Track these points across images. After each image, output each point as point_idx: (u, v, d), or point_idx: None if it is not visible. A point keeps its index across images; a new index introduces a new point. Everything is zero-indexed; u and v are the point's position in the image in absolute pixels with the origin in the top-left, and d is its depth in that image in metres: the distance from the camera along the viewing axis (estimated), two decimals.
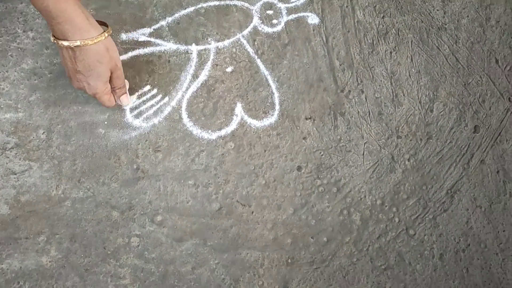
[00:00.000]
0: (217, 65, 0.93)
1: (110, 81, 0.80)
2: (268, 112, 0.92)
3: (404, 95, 0.96)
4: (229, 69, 0.93)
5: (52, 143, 0.86)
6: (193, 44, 0.93)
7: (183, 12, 0.95)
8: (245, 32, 0.95)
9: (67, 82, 0.88)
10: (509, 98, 0.98)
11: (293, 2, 0.98)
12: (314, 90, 0.94)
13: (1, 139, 0.84)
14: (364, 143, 0.93)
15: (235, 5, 0.96)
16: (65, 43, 0.71)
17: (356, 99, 0.94)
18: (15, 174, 0.83)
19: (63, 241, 0.82)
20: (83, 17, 0.72)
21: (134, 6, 0.94)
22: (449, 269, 0.89)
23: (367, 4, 1.00)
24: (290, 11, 0.98)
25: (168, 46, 0.92)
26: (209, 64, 0.93)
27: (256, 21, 0.96)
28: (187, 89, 0.91)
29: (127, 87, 0.86)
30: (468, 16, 1.02)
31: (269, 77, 0.93)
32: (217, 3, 0.96)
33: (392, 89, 0.96)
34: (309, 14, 0.98)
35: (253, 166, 0.89)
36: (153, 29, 0.93)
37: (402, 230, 0.89)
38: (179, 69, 0.92)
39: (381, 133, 0.93)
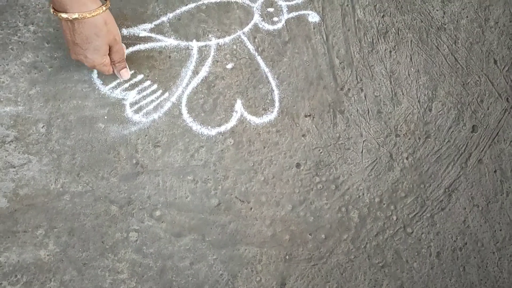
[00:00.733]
0: (217, 61, 0.93)
1: (110, 54, 0.80)
2: (268, 109, 0.92)
3: (403, 94, 0.96)
4: (229, 66, 0.93)
5: (52, 137, 0.85)
6: (194, 40, 0.93)
7: (184, 8, 0.95)
8: (246, 29, 0.95)
9: (67, 76, 0.88)
10: (507, 99, 0.98)
11: (294, 0, 0.98)
12: (314, 87, 0.94)
13: (0, 132, 0.83)
14: (363, 141, 0.93)
15: (236, 2, 0.96)
16: (64, 15, 0.71)
17: (356, 97, 0.94)
18: (14, 167, 0.83)
19: (62, 235, 0.81)
20: None
21: (135, 1, 0.93)
22: (446, 267, 0.89)
23: (367, 3, 1.00)
24: (290, 9, 0.98)
25: (169, 42, 0.92)
26: (209, 61, 0.92)
27: (257, 18, 0.96)
28: (187, 85, 0.91)
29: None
30: (467, 17, 1.02)
31: (269, 74, 0.93)
32: (218, 0, 0.96)
33: (391, 88, 0.96)
34: (310, 12, 0.98)
35: (252, 163, 0.89)
36: (154, 24, 0.93)
37: (399, 228, 0.89)
38: (179, 65, 0.91)
39: (380, 131, 0.93)
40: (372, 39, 0.98)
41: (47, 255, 0.80)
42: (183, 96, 0.90)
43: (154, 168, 0.86)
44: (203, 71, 0.91)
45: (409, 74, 0.97)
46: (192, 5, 0.95)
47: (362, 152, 0.92)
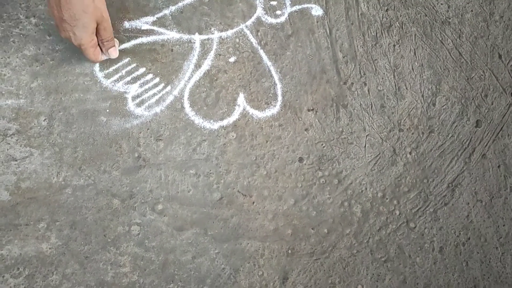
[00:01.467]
0: (220, 55, 0.92)
1: (97, 33, 0.79)
2: (271, 103, 0.91)
3: (406, 88, 0.95)
4: (232, 59, 0.92)
5: (53, 130, 0.84)
6: (196, 33, 0.92)
7: (187, 1, 0.94)
8: (249, 22, 0.94)
9: (69, 69, 0.87)
10: None
11: None
12: (317, 81, 0.93)
13: (2, 125, 0.83)
14: (366, 136, 0.92)
15: None
16: None
17: (359, 92, 0.93)
18: (16, 160, 0.82)
19: (64, 228, 0.81)
20: None
21: None
22: (449, 262, 0.88)
23: None
24: (294, 2, 0.97)
25: (171, 35, 0.91)
26: (212, 54, 0.91)
27: (259, 11, 0.95)
28: (189, 78, 0.90)
29: (117, 45, 0.85)
30: (472, 11, 1.01)
31: (272, 68, 0.92)
32: None
33: (395, 82, 0.95)
34: (313, 5, 0.97)
35: (254, 157, 0.88)
36: (156, 17, 0.92)
37: (402, 223, 0.89)
38: (182, 58, 0.90)
39: (383, 125, 0.92)
40: (376, 33, 0.97)
41: (49, 248, 0.80)
42: (185, 89, 0.89)
43: (156, 161, 0.85)
44: (206, 65, 0.90)
45: (413, 69, 0.96)
46: None
47: (365, 146, 0.91)
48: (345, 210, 0.88)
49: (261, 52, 0.92)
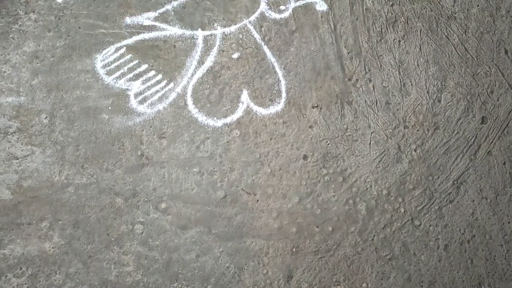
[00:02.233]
0: (223, 51, 0.90)
1: None
2: (275, 99, 0.89)
3: (412, 84, 0.93)
4: (235, 56, 0.90)
5: (55, 128, 0.83)
6: (199, 29, 0.90)
7: None
8: (252, 18, 0.92)
9: (70, 65, 0.85)
10: None
11: None
12: (321, 78, 0.91)
13: (3, 123, 0.81)
14: (371, 133, 0.90)
15: None
16: None
17: (364, 88, 0.91)
18: (17, 159, 0.81)
19: (66, 227, 0.79)
20: None
21: None
22: (454, 260, 0.87)
23: None
24: None
25: (174, 30, 0.89)
26: (215, 50, 0.89)
27: (263, 6, 0.92)
28: (192, 75, 0.88)
29: None
30: (478, 5, 0.99)
31: (275, 64, 0.90)
32: None
33: (400, 78, 0.93)
34: (317, 0, 0.94)
35: (258, 154, 0.87)
36: (159, 13, 0.89)
37: (407, 220, 0.87)
38: (184, 55, 0.88)
39: (388, 122, 0.91)
40: (381, 28, 0.95)
41: (52, 248, 0.79)
42: (188, 86, 0.87)
43: (159, 159, 0.84)
44: (209, 61, 0.88)
45: (418, 65, 0.94)
46: None
47: (370, 143, 0.90)
48: (350, 208, 0.87)
49: (265, 48, 0.90)
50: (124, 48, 0.86)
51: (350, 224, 0.86)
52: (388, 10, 0.96)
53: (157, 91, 0.86)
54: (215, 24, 0.90)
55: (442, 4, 0.97)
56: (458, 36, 0.96)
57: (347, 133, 0.89)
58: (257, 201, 0.85)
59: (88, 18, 0.86)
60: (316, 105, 0.90)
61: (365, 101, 0.91)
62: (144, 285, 0.79)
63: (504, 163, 0.92)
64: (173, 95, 0.86)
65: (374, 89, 0.92)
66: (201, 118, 0.86)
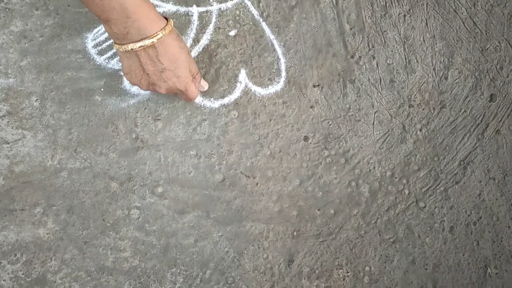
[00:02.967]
0: (219, 28, 0.85)
1: None
2: (274, 79, 0.85)
3: (417, 61, 0.88)
4: (232, 33, 0.85)
5: (46, 111, 0.79)
6: (194, 5, 0.85)
7: None
8: None
9: (59, 45, 0.81)
10: None
11: None
12: (323, 55, 0.86)
13: None
14: (375, 112, 0.86)
15: None
16: (147, 41, 0.61)
17: (367, 66, 0.87)
18: (8, 143, 0.77)
19: (60, 213, 0.77)
20: (151, 5, 0.63)
21: None
22: (459, 242, 0.84)
23: None
24: None
25: (167, 7, 0.84)
26: (211, 28, 0.85)
27: None
28: None
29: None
30: None
31: (275, 42, 0.86)
32: None
33: (405, 55, 0.88)
34: None
35: (257, 136, 0.83)
36: None
37: (412, 202, 0.84)
38: (179, 33, 0.84)
39: (392, 101, 0.87)
40: (385, 2, 0.89)
41: (47, 234, 0.76)
42: None
43: (154, 142, 0.80)
44: (204, 39, 0.84)
45: (424, 40, 0.89)
46: None
47: (373, 123, 0.86)
48: (353, 190, 0.84)
49: (263, 25, 0.85)
50: None
51: (352, 207, 0.83)
52: None
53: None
54: (211, 0, 0.85)
55: None
56: (466, 10, 0.91)
57: (350, 113, 0.85)
58: (257, 184, 0.82)
59: None
60: (317, 84, 0.85)
61: (369, 79, 0.87)
62: (142, 271, 0.77)
63: None
64: None
65: (377, 67, 0.87)
66: (198, 99, 0.82)
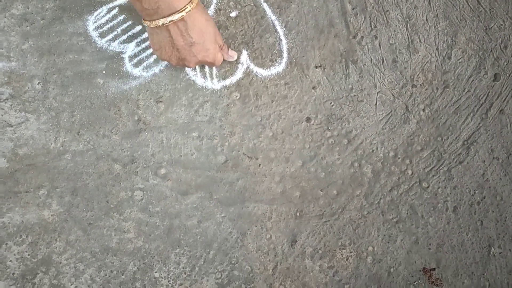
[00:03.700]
0: (220, 9, 0.84)
1: None
2: (276, 60, 0.84)
3: (420, 41, 0.87)
4: (233, 14, 0.84)
5: (49, 94, 0.79)
6: None
7: None
8: None
9: (61, 28, 0.80)
10: None
11: None
12: (325, 36, 0.85)
13: None
14: (377, 93, 0.85)
15: None
16: (177, 15, 0.61)
17: (369, 46, 0.86)
18: (12, 126, 0.77)
19: (65, 194, 0.77)
20: None
21: None
22: (463, 222, 0.83)
23: None
24: None
25: None
26: (211, 9, 0.83)
27: None
28: None
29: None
30: None
31: (276, 23, 0.84)
32: None
33: (407, 35, 0.87)
34: None
35: (260, 118, 0.82)
36: None
37: (415, 182, 0.83)
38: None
39: (395, 82, 0.85)
40: None
41: (51, 215, 0.76)
42: None
43: (157, 124, 0.80)
44: None
45: (427, 20, 0.87)
46: None
47: (376, 104, 0.85)
48: (355, 170, 0.83)
49: (264, 6, 0.84)
50: (117, 8, 0.81)
51: (355, 187, 0.83)
52: None
53: (152, 53, 0.81)
54: None
55: None
56: None
57: (352, 94, 0.84)
58: (259, 165, 0.81)
59: None
60: (319, 64, 0.84)
61: (371, 59, 0.85)
62: (146, 252, 0.77)
63: None
64: None
65: (380, 47, 0.86)
66: (199, 80, 0.81)
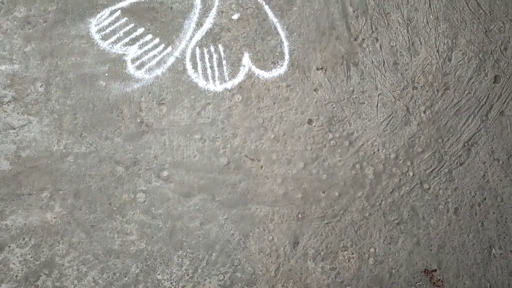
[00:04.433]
0: (222, 12, 0.84)
1: None
2: (277, 62, 0.84)
3: (421, 43, 0.87)
4: (235, 17, 0.84)
5: (51, 97, 0.78)
6: None
7: None
8: None
9: (63, 31, 0.80)
10: None
11: None
12: (326, 38, 0.85)
13: None
14: (378, 95, 0.85)
15: None
16: None
17: (370, 48, 0.85)
18: (14, 129, 0.77)
19: (67, 197, 0.76)
20: None
21: None
22: (464, 223, 0.83)
23: None
24: None
25: None
26: (214, 11, 0.83)
27: None
28: (191, 38, 0.82)
29: None
30: None
31: (278, 25, 0.84)
32: None
33: (408, 37, 0.86)
34: None
35: (261, 120, 0.82)
36: None
37: (416, 184, 0.83)
38: (182, 17, 0.82)
39: (396, 84, 0.85)
40: None
41: (54, 218, 0.76)
42: (187, 50, 0.81)
43: (159, 127, 0.80)
44: (208, 23, 0.83)
45: (427, 22, 0.87)
46: None
47: (377, 106, 0.84)
48: (357, 172, 0.83)
49: (266, 8, 0.84)
50: (119, 11, 0.81)
51: (357, 189, 0.82)
52: None
53: (154, 56, 0.81)
54: None
55: None
56: None
57: (353, 96, 0.84)
58: (261, 167, 0.81)
59: None
60: (320, 67, 0.84)
61: (372, 61, 0.85)
62: (148, 254, 0.77)
63: None
64: (171, 60, 0.81)
65: (381, 49, 0.86)
66: (201, 83, 0.81)
